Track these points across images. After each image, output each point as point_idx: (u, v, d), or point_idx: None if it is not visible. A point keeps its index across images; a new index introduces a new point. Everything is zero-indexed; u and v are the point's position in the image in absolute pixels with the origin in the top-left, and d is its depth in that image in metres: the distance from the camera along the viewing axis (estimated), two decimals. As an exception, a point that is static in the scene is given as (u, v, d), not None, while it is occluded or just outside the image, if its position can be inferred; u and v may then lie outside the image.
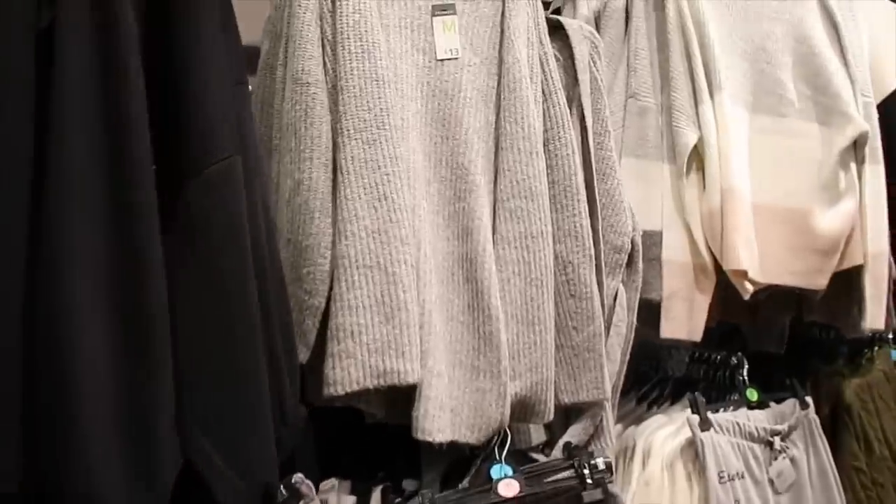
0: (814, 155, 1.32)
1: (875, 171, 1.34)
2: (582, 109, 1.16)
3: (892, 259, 1.42)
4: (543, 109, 1.11)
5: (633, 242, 1.18)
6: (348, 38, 0.98)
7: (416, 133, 1.03)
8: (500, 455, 1.04)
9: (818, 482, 1.34)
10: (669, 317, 1.26)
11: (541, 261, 1.05)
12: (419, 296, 0.97)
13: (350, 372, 0.92)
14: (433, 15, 1.06)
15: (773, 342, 1.49)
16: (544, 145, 1.09)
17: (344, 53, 0.97)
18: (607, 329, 1.15)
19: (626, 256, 1.18)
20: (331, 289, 0.95)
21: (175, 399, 0.67)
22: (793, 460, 1.32)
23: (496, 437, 1.04)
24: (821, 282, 1.31)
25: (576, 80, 1.17)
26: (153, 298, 0.66)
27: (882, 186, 1.35)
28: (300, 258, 0.96)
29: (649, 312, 1.27)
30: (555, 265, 1.08)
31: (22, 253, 0.62)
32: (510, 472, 1.03)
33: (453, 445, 1.00)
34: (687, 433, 1.25)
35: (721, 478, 1.20)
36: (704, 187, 1.27)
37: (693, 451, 1.23)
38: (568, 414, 1.16)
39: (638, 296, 1.20)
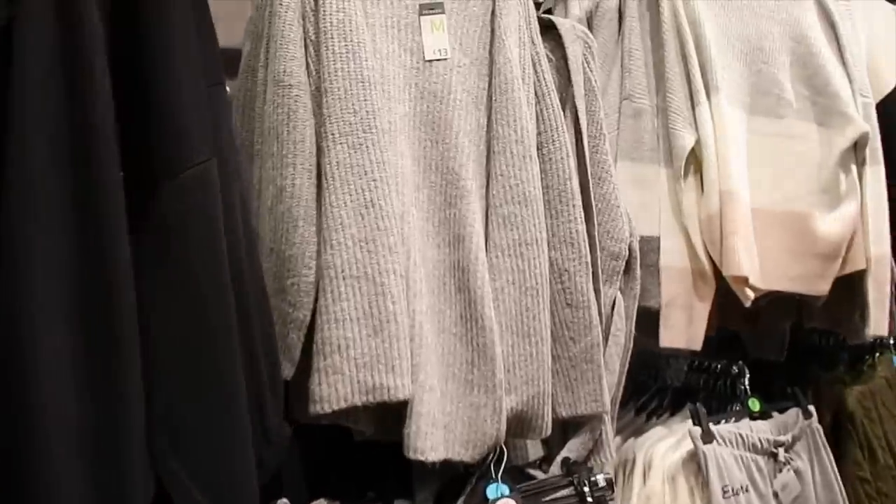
0: (813, 157, 1.29)
1: (876, 173, 1.31)
2: (576, 111, 1.12)
3: (894, 262, 1.39)
4: (536, 112, 1.07)
5: (630, 249, 1.14)
6: (332, 38, 0.93)
7: (405, 137, 0.99)
8: (496, 473, 1.00)
9: (823, 494, 1.30)
10: (668, 325, 1.22)
11: (535, 269, 1.01)
12: (409, 307, 0.92)
13: (337, 388, 0.88)
14: (421, 14, 1.02)
15: (773, 349, 1.45)
16: (538, 149, 1.05)
17: (328, 54, 0.93)
18: (605, 339, 1.11)
19: (624, 263, 1.14)
20: (316, 301, 0.90)
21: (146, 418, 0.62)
22: (797, 472, 1.28)
23: (492, 454, 0.99)
24: (822, 287, 1.28)
25: (569, 81, 1.13)
26: (121, 308, 0.62)
27: (883, 188, 1.32)
28: (283, 268, 0.91)
29: (647, 321, 1.23)
30: (550, 273, 1.04)
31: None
32: (507, 491, 0.98)
33: (447, 463, 0.95)
34: (688, 446, 1.21)
35: (725, 492, 1.16)
36: (702, 191, 1.23)
37: (695, 465, 1.19)
38: (566, 428, 1.11)
39: (636, 304, 1.16)
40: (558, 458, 1.08)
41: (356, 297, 0.89)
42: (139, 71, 0.65)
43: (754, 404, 1.30)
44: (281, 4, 0.95)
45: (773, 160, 1.28)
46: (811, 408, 1.37)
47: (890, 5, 1.48)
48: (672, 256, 1.23)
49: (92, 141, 0.62)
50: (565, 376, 1.06)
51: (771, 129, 1.28)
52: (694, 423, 1.20)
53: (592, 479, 1.00)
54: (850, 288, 1.34)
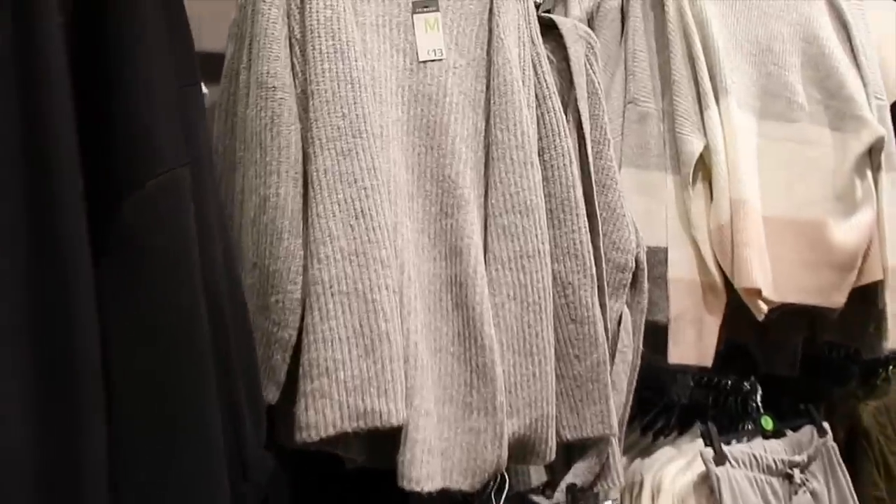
0: (827, 162, 1.23)
1: (892, 179, 1.25)
2: (579, 115, 1.06)
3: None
4: (537, 115, 1.01)
5: (637, 260, 1.08)
6: (319, 37, 0.87)
7: (397, 142, 0.92)
8: (498, 502, 0.93)
9: (840, 517, 1.24)
10: (677, 340, 1.16)
11: (538, 283, 0.94)
12: (403, 325, 0.86)
13: (325, 414, 0.81)
14: (414, 12, 0.96)
15: (785, 364, 1.39)
16: (539, 155, 0.99)
17: (314, 54, 0.87)
18: (612, 356, 1.05)
19: (630, 276, 1.08)
20: (302, 319, 0.84)
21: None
22: (813, 494, 1.22)
23: (492, 482, 0.92)
24: (838, 299, 1.22)
25: (571, 83, 1.07)
26: (81, 337, 0.55)
27: (900, 194, 1.26)
28: (267, 284, 0.85)
29: (655, 336, 1.17)
30: (553, 287, 0.97)
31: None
32: (509, 522, 0.91)
33: (445, 493, 0.88)
34: (700, 467, 1.15)
35: (739, 517, 1.09)
36: (712, 199, 1.17)
37: (707, 488, 1.13)
38: (570, 451, 1.05)
39: (644, 318, 1.10)
40: (563, 484, 1.02)
41: (346, 314, 0.83)
42: (103, 71, 0.59)
43: (767, 423, 1.24)
44: (264, 1, 0.89)
45: (784, 166, 1.22)
46: (826, 425, 1.31)
47: (894, 4, 1.42)
48: (680, 268, 1.17)
49: (49, 147, 0.56)
50: (570, 396, 1.00)
51: (782, 133, 1.23)
52: (705, 444, 1.14)
53: (600, 507, 0.93)
54: (866, 299, 1.28)
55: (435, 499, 0.89)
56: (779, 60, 1.24)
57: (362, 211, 0.84)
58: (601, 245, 1.04)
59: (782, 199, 1.21)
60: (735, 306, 1.22)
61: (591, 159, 1.06)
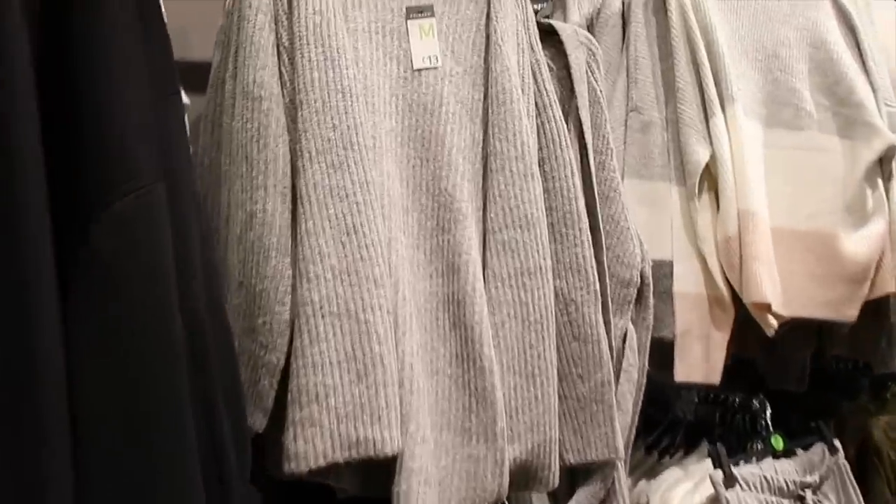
0: (836, 171, 1.19)
1: (904, 188, 1.21)
2: (580, 125, 1.02)
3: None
4: (537, 125, 0.96)
5: (642, 275, 1.04)
6: (308, 44, 0.83)
7: (391, 154, 0.88)
8: (498, 532, 0.88)
9: (854, 539, 1.20)
10: (684, 357, 1.12)
11: (540, 300, 0.90)
12: (398, 347, 0.81)
13: (315, 443, 0.76)
14: (408, 18, 0.92)
15: (793, 380, 1.34)
16: (539, 166, 0.94)
17: (303, 62, 0.83)
18: (617, 376, 1.00)
19: (635, 291, 1.03)
20: (291, 342, 0.79)
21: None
22: (826, 515, 1.17)
23: (493, 512, 0.88)
24: (850, 313, 1.18)
25: (572, 91, 1.03)
26: (45, 373, 0.50)
27: (913, 205, 1.22)
28: (254, 305, 0.80)
29: (660, 352, 1.13)
30: (555, 304, 0.93)
31: None
32: (510, 553, 0.87)
33: (443, 524, 0.84)
34: (708, 489, 1.10)
35: (751, 543, 1.05)
36: (718, 210, 1.13)
37: (716, 512, 1.08)
38: (574, 475, 1.00)
39: (649, 335, 1.06)
40: (567, 511, 0.97)
41: (337, 337, 0.78)
42: (69, 80, 0.54)
43: (778, 442, 1.20)
44: (250, 7, 0.84)
45: (793, 176, 1.18)
46: (837, 443, 1.27)
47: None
48: (686, 282, 1.13)
49: (9, 164, 0.51)
50: (573, 419, 0.96)
51: (790, 142, 1.19)
52: (714, 466, 1.10)
53: (606, 536, 0.89)
54: (877, 313, 1.24)
55: (433, 529, 0.85)
56: (785, 66, 1.20)
57: (354, 227, 0.80)
58: (605, 259, 1.00)
59: (791, 209, 1.17)
60: (741, 320, 1.17)
61: (593, 170, 1.02)
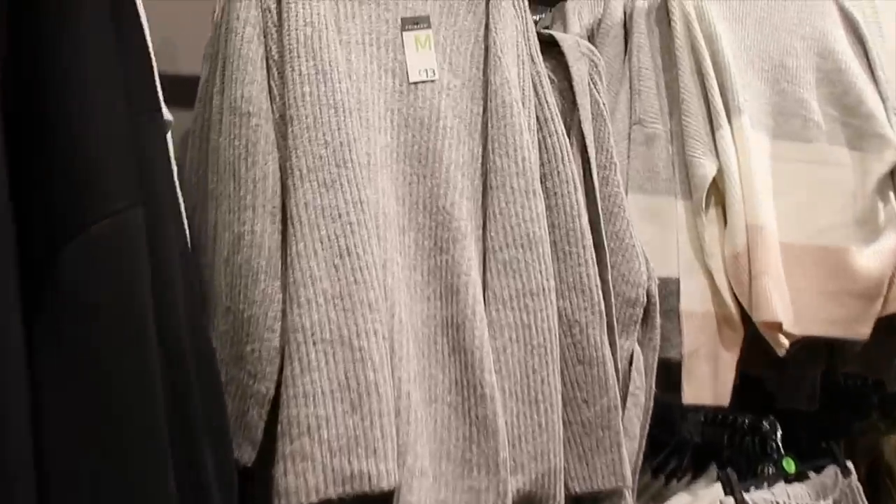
0: (847, 185, 1.15)
1: (916, 202, 1.18)
2: (583, 138, 0.98)
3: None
4: (538, 139, 0.93)
5: (648, 294, 1.00)
6: (298, 57, 0.79)
7: (386, 171, 0.84)
8: (501, 567, 0.84)
9: (869, 564, 1.15)
10: (692, 379, 1.08)
11: (543, 322, 0.86)
12: (394, 374, 0.77)
13: (307, 478, 0.72)
14: (403, 29, 0.88)
15: (803, 399, 1.30)
16: (541, 182, 0.90)
17: (293, 76, 0.79)
18: (623, 400, 0.96)
19: (641, 311, 0.99)
20: (281, 371, 0.75)
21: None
22: (840, 541, 1.13)
23: (495, 546, 0.83)
24: (863, 331, 1.14)
25: (574, 104, 0.99)
26: (8, 415, 0.46)
27: (925, 218, 1.18)
28: (242, 332, 0.76)
29: (667, 373, 1.08)
30: (559, 326, 0.89)
31: None
32: (514, 590, 0.82)
33: (442, 560, 0.79)
34: (718, 516, 1.06)
35: (764, 573, 1.00)
36: (726, 225, 1.09)
37: (728, 540, 1.03)
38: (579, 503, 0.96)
39: (656, 357, 1.02)
40: (572, 542, 0.93)
41: (329, 365, 0.74)
42: (37, 95, 0.50)
43: (790, 465, 1.15)
44: (237, 19, 0.81)
45: (801, 189, 1.14)
46: (850, 465, 1.23)
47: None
48: (693, 300, 1.09)
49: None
50: (578, 445, 0.91)
51: (798, 154, 1.15)
52: (725, 492, 1.05)
53: (614, 571, 0.84)
54: (891, 329, 1.19)
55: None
56: (792, 77, 1.16)
57: (347, 249, 0.76)
58: (609, 278, 0.96)
59: (800, 224, 1.13)
60: (749, 337, 1.13)
61: (596, 185, 0.98)
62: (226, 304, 0.78)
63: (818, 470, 1.20)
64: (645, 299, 1.00)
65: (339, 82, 0.80)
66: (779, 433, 1.20)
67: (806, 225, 1.13)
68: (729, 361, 1.09)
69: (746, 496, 1.06)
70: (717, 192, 1.10)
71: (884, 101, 1.18)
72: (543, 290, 0.86)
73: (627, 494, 0.95)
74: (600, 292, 0.92)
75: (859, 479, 1.29)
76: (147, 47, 0.62)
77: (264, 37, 0.81)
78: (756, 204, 1.07)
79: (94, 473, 0.49)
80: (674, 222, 1.10)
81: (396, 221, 0.84)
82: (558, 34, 1.02)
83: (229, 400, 0.77)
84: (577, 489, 0.91)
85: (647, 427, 1.01)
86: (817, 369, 1.29)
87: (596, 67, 1.02)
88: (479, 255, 0.86)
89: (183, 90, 0.96)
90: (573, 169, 0.94)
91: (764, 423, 1.20)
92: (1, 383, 0.46)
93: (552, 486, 0.85)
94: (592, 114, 1.00)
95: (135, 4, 0.61)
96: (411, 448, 0.77)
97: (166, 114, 0.72)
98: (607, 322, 0.93)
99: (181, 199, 0.76)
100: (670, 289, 1.09)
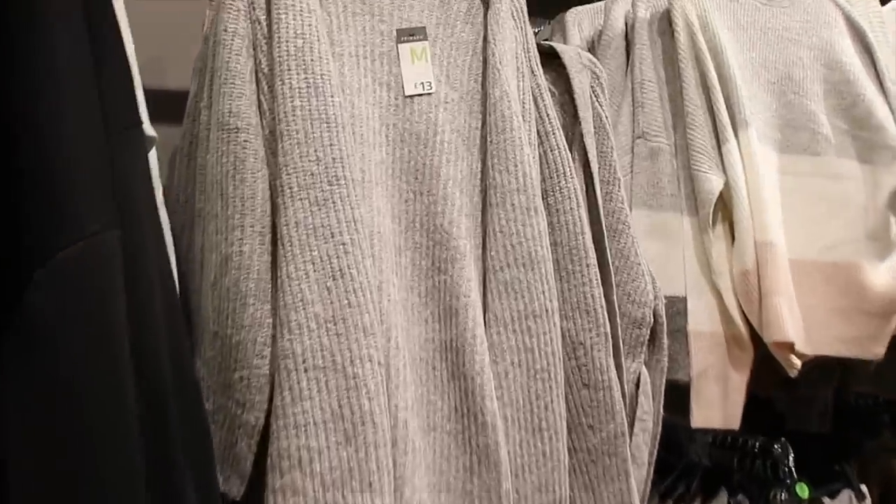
0: (857, 199, 1.12)
1: (930, 216, 1.14)
2: (585, 153, 0.95)
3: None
4: (539, 154, 0.89)
5: (655, 314, 0.96)
6: (289, 70, 0.76)
7: (381, 188, 0.81)
8: None
9: None
10: (701, 401, 1.04)
11: (546, 346, 0.82)
12: (390, 402, 0.73)
13: (298, 515, 0.68)
14: (399, 41, 0.85)
15: (815, 420, 1.26)
16: (542, 198, 0.87)
17: (284, 89, 0.76)
18: (630, 425, 0.92)
19: (648, 331, 0.95)
20: (271, 399, 0.71)
21: None
22: (856, 570, 1.08)
23: (498, 583, 0.79)
24: (877, 350, 1.10)
25: (575, 117, 0.96)
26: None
27: (938, 233, 1.15)
28: (230, 358, 0.73)
29: (674, 395, 1.04)
30: (562, 348, 0.85)
31: None
32: None
33: None
34: (731, 546, 1.01)
35: None
36: (734, 242, 1.05)
37: (741, 571, 0.99)
38: (585, 535, 0.91)
39: (664, 379, 0.98)
40: (579, 576, 0.88)
41: (322, 394, 0.70)
42: (1, 112, 0.47)
43: (803, 490, 1.11)
44: (225, 31, 0.77)
45: (810, 204, 1.11)
46: (864, 489, 1.18)
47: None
48: (701, 320, 1.05)
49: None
50: (584, 473, 0.87)
51: (807, 168, 1.12)
52: (737, 521, 1.01)
53: None
54: (904, 347, 1.16)
55: None
56: (799, 88, 1.13)
57: (340, 270, 0.72)
58: (615, 298, 0.92)
59: (809, 240, 1.10)
60: (758, 357, 1.10)
61: (600, 201, 0.94)
62: (213, 329, 0.74)
63: (832, 495, 1.16)
64: (652, 319, 0.96)
65: (332, 96, 0.76)
66: (791, 456, 1.16)
67: (816, 240, 1.10)
68: (739, 383, 1.05)
69: (759, 525, 1.01)
70: (724, 207, 1.07)
71: (893, 112, 1.15)
72: (546, 311, 0.82)
73: (636, 525, 0.91)
74: (605, 313, 0.89)
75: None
76: (127, 58, 0.58)
77: (254, 49, 0.78)
78: (765, 219, 1.04)
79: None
80: (680, 239, 1.07)
81: (392, 241, 0.80)
82: (559, 45, 0.99)
83: (217, 430, 0.73)
84: (584, 520, 0.87)
85: (655, 453, 0.97)
86: (829, 389, 1.25)
87: (598, 79, 0.99)
88: (478, 275, 0.82)
89: (173, 106, 0.93)
90: (575, 185, 0.90)
91: (775, 446, 1.16)
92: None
93: (557, 517, 0.81)
94: (595, 127, 0.96)
95: (113, 12, 0.58)
96: (409, 480, 0.73)
97: (149, 130, 0.69)
98: (613, 344, 0.89)
99: (166, 220, 0.73)
100: (677, 308, 1.05)
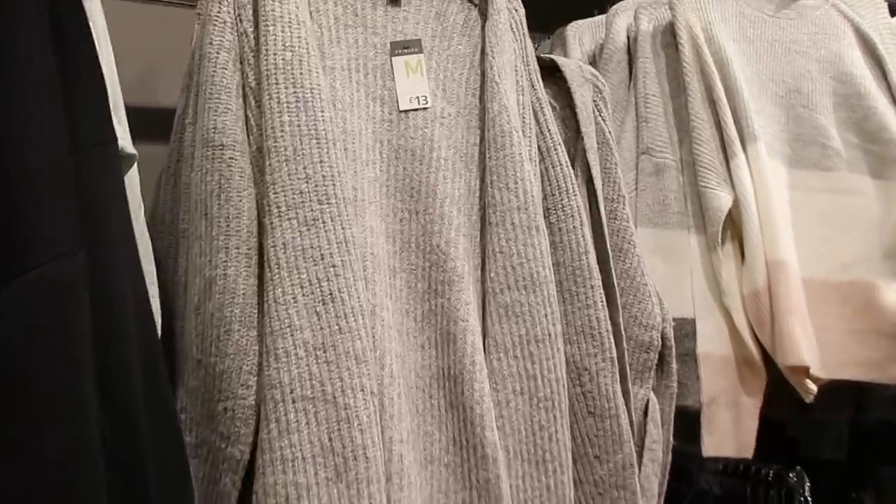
0: (871, 215, 1.08)
1: (947, 232, 1.10)
2: (588, 169, 0.91)
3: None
4: (541, 171, 0.85)
5: (663, 337, 0.92)
6: (277, 84, 0.72)
7: (375, 207, 0.77)
8: None
9: None
10: (712, 429, 0.99)
11: (549, 372, 0.78)
12: (384, 434, 0.69)
13: (285, 557, 0.63)
14: (393, 54, 0.82)
15: (830, 446, 1.21)
16: (544, 217, 0.83)
17: (272, 104, 0.72)
18: (639, 455, 0.87)
19: (656, 356, 0.91)
20: (257, 432, 0.67)
21: None
22: None
23: None
24: (895, 373, 1.05)
25: (577, 132, 0.92)
26: None
27: (955, 250, 1.10)
28: (213, 388, 0.68)
29: (684, 422, 1.00)
30: (567, 374, 0.80)
31: None
32: None
33: None
34: (745, 581, 0.96)
35: None
36: (744, 261, 1.01)
37: None
38: (593, 572, 0.86)
39: (673, 406, 0.93)
40: None
41: (311, 426, 0.66)
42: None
43: (820, 521, 1.06)
44: (211, 44, 0.74)
45: (822, 221, 1.07)
46: (882, 518, 1.13)
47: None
48: (711, 342, 1.01)
49: None
50: (591, 507, 0.82)
51: (817, 183, 1.08)
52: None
53: None
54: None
55: None
56: (808, 102, 1.10)
57: (331, 294, 0.68)
58: (621, 321, 0.88)
59: (822, 258, 1.05)
60: (770, 381, 1.05)
61: (604, 220, 0.90)
62: (196, 356, 0.70)
63: (850, 525, 1.11)
64: (660, 343, 0.91)
65: (322, 111, 0.73)
66: (807, 486, 1.10)
67: (828, 259, 1.06)
68: (751, 408, 1.01)
69: (776, 559, 0.96)
70: (733, 225, 1.03)
71: (906, 125, 1.11)
72: (549, 335, 0.78)
73: (646, 561, 0.86)
74: (611, 336, 0.84)
75: (890, 532, 1.20)
76: (100, 73, 0.55)
77: (241, 63, 0.75)
78: (776, 237, 1.00)
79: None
80: (687, 258, 1.03)
81: (386, 262, 0.76)
82: (559, 58, 0.95)
83: (200, 465, 0.69)
84: (591, 556, 0.82)
85: (665, 484, 0.92)
86: (845, 414, 1.21)
87: (600, 93, 0.95)
88: (477, 298, 0.78)
89: (165, 124, 0.89)
90: (578, 202, 0.86)
91: (791, 474, 1.11)
92: None
93: (563, 555, 0.76)
94: (598, 143, 0.93)
95: (87, 28, 0.54)
96: (404, 518, 0.68)
97: (129, 147, 0.65)
98: (620, 369, 0.85)
99: (146, 239, 0.69)
100: (686, 330, 1.01)
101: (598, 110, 0.95)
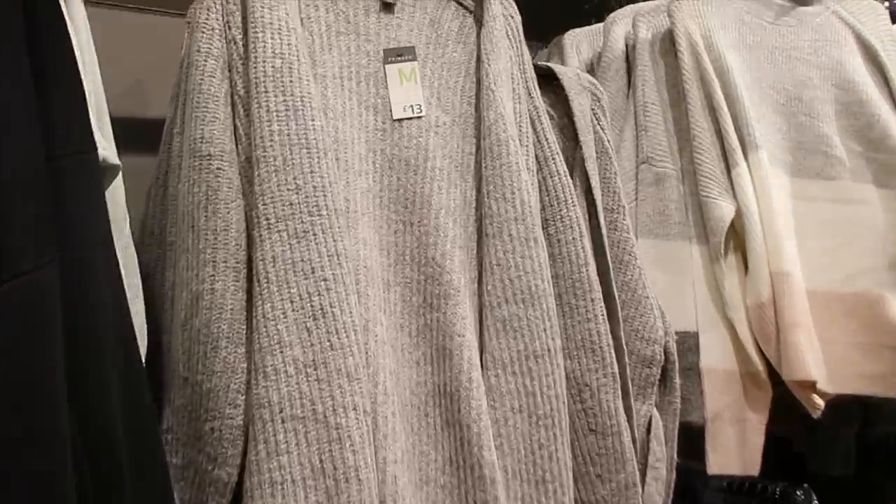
0: (875, 225, 1.05)
1: (953, 242, 1.08)
2: (587, 179, 0.89)
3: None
4: (538, 181, 0.83)
5: (665, 351, 0.89)
6: (266, 92, 0.70)
7: (368, 219, 0.74)
8: None
9: None
10: (717, 446, 0.96)
11: (549, 389, 0.75)
12: (377, 455, 0.66)
13: (274, 585, 0.60)
14: (386, 62, 0.80)
15: (838, 462, 1.18)
16: (543, 228, 0.81)
17: (261, 113, 0.70)
18: (642, 474, 0.85)
19: (659, 370, 0.88)
20: (245, 453, 0.64)
21: None
22: None
23: None
24: (903, 387, 1.03)
25: (576, 142, 0.90)
26: None
27: (961, 260, 1.08)
28: (200, 407, 0.66)
29: (688, 438, 0.97)
30: (567, 390, 0.78)
31: None
32: None
33: None
34: None
35: None
36: (747, 272, 0.99)
37: None
38: None
39: (677, 422, 0.90)
40: None
41: (301, 447, 0.63)
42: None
43: (828, 539, 1.03)
44: (198, 51, 0.72)
45: (826, 231, 1.05)
46: (893, 537, 1.10)
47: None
48: (714, 356, 0.98)
49: None
50: (593, 528, 0.80)
51: (820, 192, 1.06)
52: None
53: None
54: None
55: None
56: (810, 110, 1.08)
57: (322, 309, 0.66)
58: (622, 335, 0.85)
59: (827, 269, 1.03)
60: (775, 395, 1.02)
61: (604, 231, 0.88)
62: (183, 374, 0.67)
63: (859, 543, 1.08)
64: (662, 357, 0.89)
65: (313, 119, 0.71)
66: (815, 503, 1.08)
67: (833, 270, 1.03)
68: (757, 424, 0.98)
69: (784, 580, 0.93)
70: (736, 235, 1.00)
71: (910, 133, 1.09)
72: (549, 350, 0.75)
73: (651, 584, 0.83)
74: (612, 351, 0.82)
75: (899, 549, 1.17)
76: (78, 79, 0.53)
77: (229, 70, 0.73)
78: (780, 248, 0.97)
79: None
80: (689, 270, 1.00)
81: (380, 275, 0.74)
82: (557, 67, 0.93)
83: (186, 487, 0.66)
84: (593, 579, 0.79)
85: (670, 503, 0.89)
86: (853, 428, 1.18)
87: (599, 102, 0.93)
88: (474, 312, 0.76)
89: (154, 134, 0.87)
90: (577, 213, 0.84)
91: (798, 492, 1.08)
92: None
93: (565, 579, 0.74)
94: (597, 152, 0.91)
95: (64, 31, 0.52)
96: (399, 542, 0.66)
97: (112, 157, 0.63)
98: (621, 385, 0.82)
99: (131, 255, 0.66)
100: (688, 344, 0.98)
101: (597, 119, 0.93)
